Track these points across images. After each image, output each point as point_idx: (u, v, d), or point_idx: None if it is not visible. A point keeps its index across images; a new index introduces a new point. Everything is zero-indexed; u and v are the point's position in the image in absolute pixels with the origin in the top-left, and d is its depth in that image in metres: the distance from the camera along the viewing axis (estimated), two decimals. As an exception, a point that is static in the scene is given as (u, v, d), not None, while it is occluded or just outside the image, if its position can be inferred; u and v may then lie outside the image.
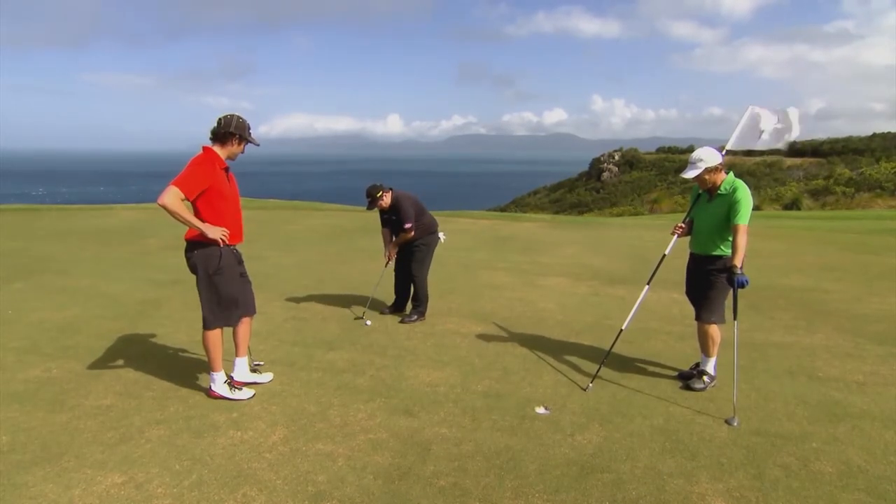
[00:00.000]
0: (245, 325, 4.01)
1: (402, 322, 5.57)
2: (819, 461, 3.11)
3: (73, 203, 21.39)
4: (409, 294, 5.84)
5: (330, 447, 3.23)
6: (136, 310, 5.89)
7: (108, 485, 2.84)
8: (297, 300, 6.34)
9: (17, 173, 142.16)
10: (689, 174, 3.86)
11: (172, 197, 3.43)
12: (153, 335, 5.11)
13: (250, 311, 4.02)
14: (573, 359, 4.66)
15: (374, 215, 5.88)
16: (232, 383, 3.88)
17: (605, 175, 63.58)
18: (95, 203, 19.76)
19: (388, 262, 5.79)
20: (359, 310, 5.93)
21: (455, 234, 11.10)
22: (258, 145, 3.88)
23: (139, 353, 4.66)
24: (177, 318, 5.64)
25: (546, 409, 3.74)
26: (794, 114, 4.00)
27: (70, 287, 6.75)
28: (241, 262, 3.91)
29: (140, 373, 4.24)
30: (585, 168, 69.05)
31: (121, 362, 4.44)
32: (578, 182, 66.75)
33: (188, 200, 3.56)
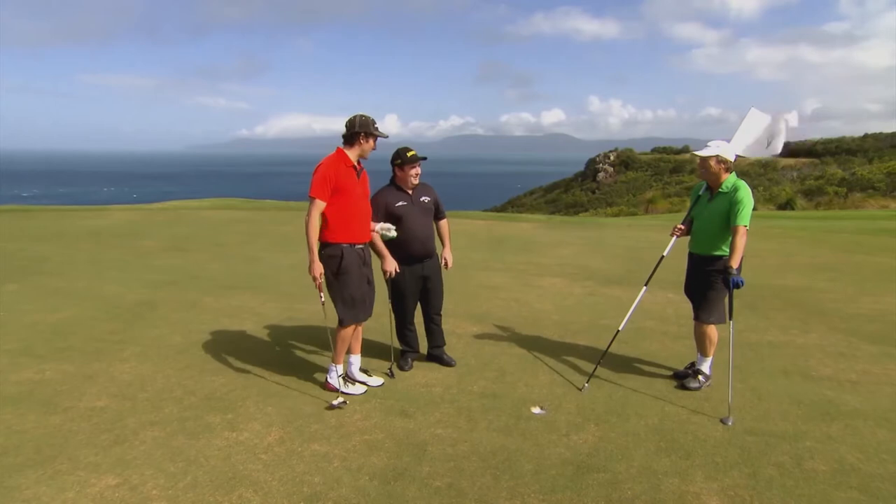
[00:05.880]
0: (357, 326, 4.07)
1: (447, 363, 4.49)
2: (813, 460, 3.13)
3: (69, 204, 21.30)
4: (412, 329, 4.56)
5: (326, 448, 3.23)
6: (131, 311, 5.86)
7: (102, 487, 2.83)
8: (294, 301, 6.33)
9: (14, 174, 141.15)
10: (703, 152, 3.91)
11: (315, 215, 3.67)
12: (148, 337, 5.08)
13: (368, 311, 4.03)
14: (569, 359, 4.67)
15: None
16: (346, 378, 3.97)
17: (601, 175, 63.73)
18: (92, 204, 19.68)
19: (447, 265, 4.45)
20: (379, 364, 4.51)
21: (451, 234, 11.09)
22: (386, 137, 3.93)
23: (134, 354, 4.64)
24: (172, 319, 5.62)
25: (542, 409, 3.75)
26: (790, 118, 4.07)
27: (65, 288, 6.72)
28: (366, 263, 3.95)
29: (134, 374, 4.23)
30: (581, 168, 69.19)
31: (115, 364, 4.42)
32: (574, 182, 66.86)
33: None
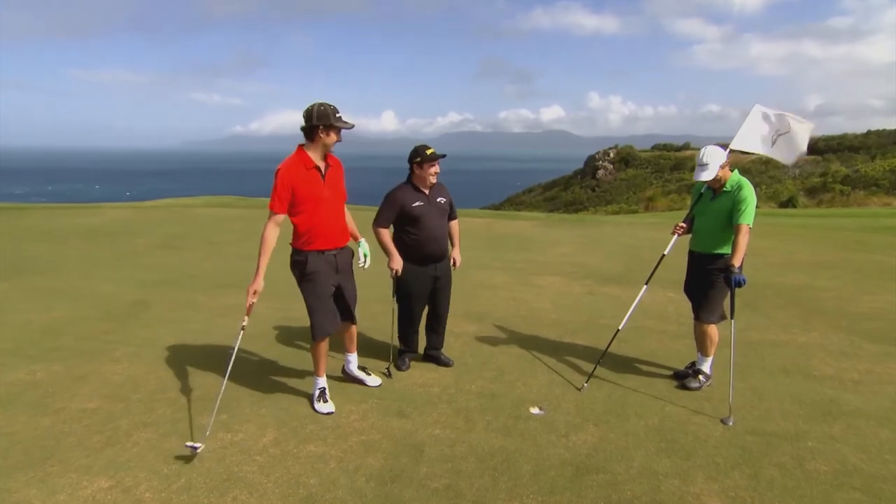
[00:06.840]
0: (347, 327, 3.89)
1: (444, 363, 4.48)
2: (814, 460, 3.09)
3: (62, 202, 21.20)
4: (416, 331, 4.52)
5: (322, 449, 3.18)
6: (124, 311, 5.80)
7: (94, 489, 2.78)
8: (288, 300, 6.26)
9: (6, 171, 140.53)
10: (705, 176, 3.77)
11: (270, 228, 3.38)
12: (141, 336, 5.03)
13: (339, 321, 3.75)
14: (568, 358, 4.62)
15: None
16: (323, 395, 3.71)
17: (601, 173, 63.64)
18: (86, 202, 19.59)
19: (456, 265, 4.45)
20: (376, 363, 4.44)
21: (449, 232, 11.04)
22: (351, 127, 3.45)
23: (126, 354, 4.58)
24: (165, 318, 5.56)
25: (541, 409, 3.71)
26: (803, 129, 3.99)
27: (56, 287, 6.65)
28: (339, 270, 3.63)
29: (127, 375, 4.17)
30: (581, 166, 69.11)
31: (107, 364, 4.37)
32: (574, 180, 66.74)
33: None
